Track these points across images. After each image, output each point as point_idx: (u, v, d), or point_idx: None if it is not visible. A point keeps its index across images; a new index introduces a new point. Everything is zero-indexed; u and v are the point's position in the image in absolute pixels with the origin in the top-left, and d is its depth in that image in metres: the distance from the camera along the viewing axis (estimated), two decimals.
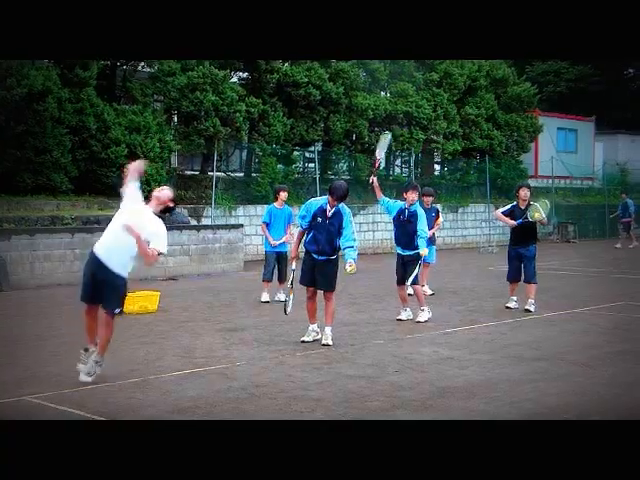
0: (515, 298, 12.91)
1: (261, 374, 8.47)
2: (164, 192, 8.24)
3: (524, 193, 13.01)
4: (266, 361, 9.09)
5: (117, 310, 8.06)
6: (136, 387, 7.89)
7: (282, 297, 14.06)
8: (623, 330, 11.23)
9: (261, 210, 22.96)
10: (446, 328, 11.24)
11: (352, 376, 8.39)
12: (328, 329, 10.08)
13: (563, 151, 37.10)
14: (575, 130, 39.38)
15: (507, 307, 12.87)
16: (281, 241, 14.04)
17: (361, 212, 26.24)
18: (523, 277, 12.96)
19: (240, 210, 23.12)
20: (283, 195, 14.27)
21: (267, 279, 14.08)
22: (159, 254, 8.07)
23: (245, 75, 25.03)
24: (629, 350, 9.85)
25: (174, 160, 24.29)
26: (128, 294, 12.62)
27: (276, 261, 14.11)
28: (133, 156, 20.25)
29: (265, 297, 13.87)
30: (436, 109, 28.35)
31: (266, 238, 14.20)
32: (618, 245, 28.75)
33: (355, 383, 8.11)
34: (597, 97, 46.99)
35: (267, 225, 14.11)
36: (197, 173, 24.38)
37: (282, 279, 14.10)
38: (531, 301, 12.64)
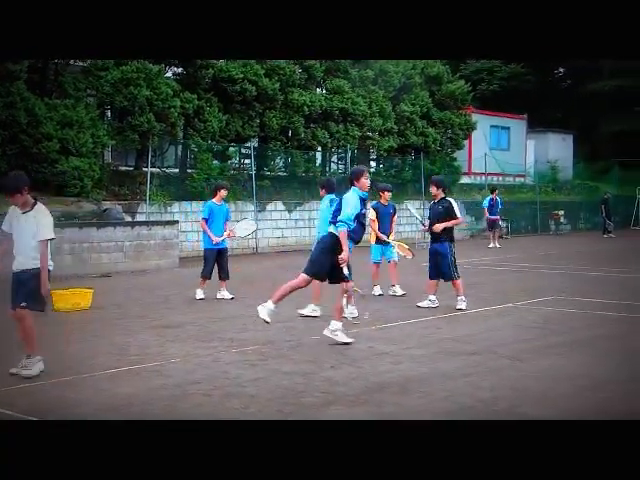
0: (433, 297, 12.84)
1: (196, 371, 8.43)
2: None
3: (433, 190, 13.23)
4: (201, 358, 9.04)
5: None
6: (68, 385, 7.79)
7: (226, 295, 14.03)
8: (553, 324, 11.43)
9: (197, 206, 22.89)
10: (382, 323, 11.31)
11: (288, 372, 8.40)
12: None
13: (496, 148, 37.66)
14: (508, 128, 39.99)
15: (417, 306, 12.77)
16: (222, 238, 14.01)
17: (297, 208, 26.27)
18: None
19: (175, 206, 22.94)
20: (223, 193, 14.27)
21: (206, 276, 14.00)
22: None
23: (180, 70, 24.83)
24: (559, 344, 10.04)
25: (108, 155, 23.99)
26: (61, 291, 12.56)
27: (216, 258, 14.06)
28: (65, 151, 20.05)
29: (200, 294, 13.79)
30: (371, 106, 28.50)
31: (205, 234, 14.14)
32: (492, 245, 27.49)
33: (290, 379, 8.12)
34: (529, 96, 47.78)
35: (207, 221, 14.06)
36: (131, 169, 24.13)
37: (224, 277, 14.07)
38: (460, 298, 12.65)
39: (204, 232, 14.18)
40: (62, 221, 17.70)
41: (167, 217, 22.01)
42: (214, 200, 14.23)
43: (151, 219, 21.08)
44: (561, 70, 51.95)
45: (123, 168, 24.28)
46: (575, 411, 7.06)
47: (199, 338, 10.21)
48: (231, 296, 13.78)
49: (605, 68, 46.75)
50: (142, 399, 7.34)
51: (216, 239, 13.89)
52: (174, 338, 10.18)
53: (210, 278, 13.99)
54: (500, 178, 37.30)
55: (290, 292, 9.96)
